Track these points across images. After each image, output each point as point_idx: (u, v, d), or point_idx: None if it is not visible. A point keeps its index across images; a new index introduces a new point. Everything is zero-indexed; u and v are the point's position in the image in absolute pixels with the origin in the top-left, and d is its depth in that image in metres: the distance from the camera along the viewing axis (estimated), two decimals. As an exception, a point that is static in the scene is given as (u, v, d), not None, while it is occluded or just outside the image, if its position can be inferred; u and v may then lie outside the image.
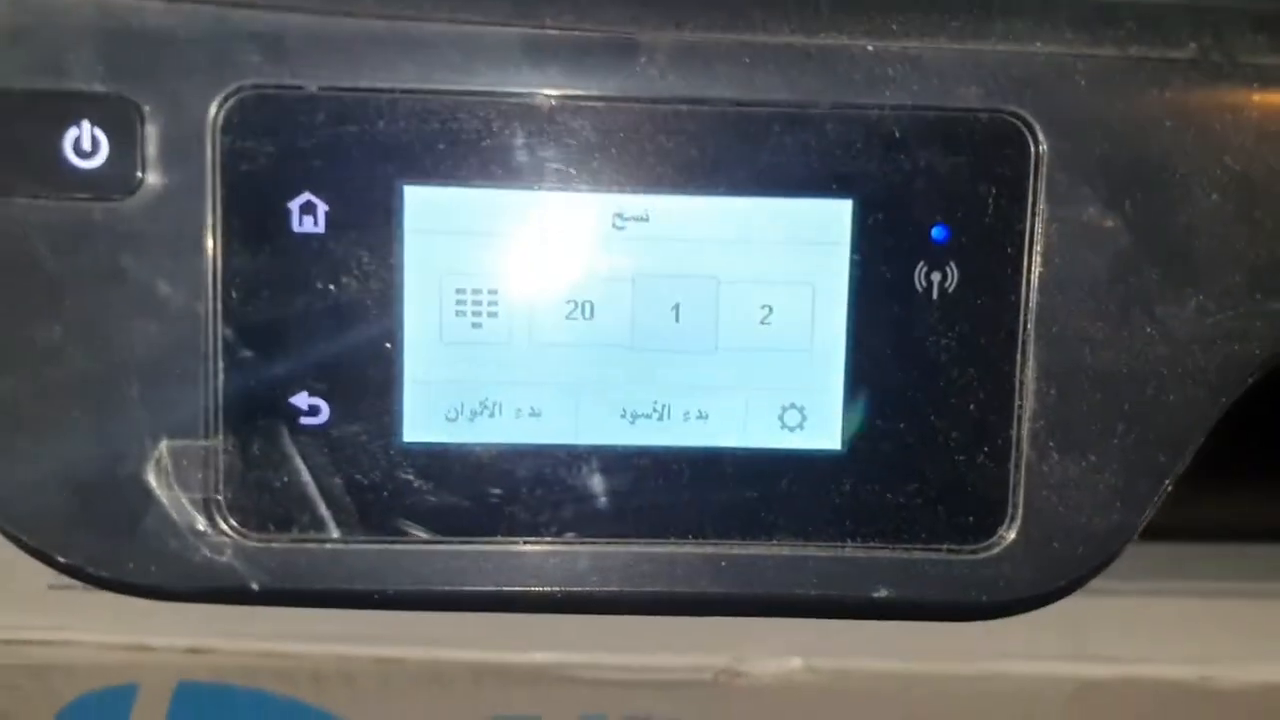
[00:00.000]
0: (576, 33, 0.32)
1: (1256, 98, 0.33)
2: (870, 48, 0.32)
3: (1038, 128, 0.33)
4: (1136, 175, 0.33)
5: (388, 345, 0.33)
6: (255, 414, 0.33)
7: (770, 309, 0.34)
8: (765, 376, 0.34)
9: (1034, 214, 0.33)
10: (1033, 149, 0.33)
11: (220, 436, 0.33)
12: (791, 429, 0.34)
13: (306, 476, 0.33)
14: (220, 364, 0.33)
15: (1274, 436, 0.52)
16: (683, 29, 0.32)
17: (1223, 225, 0.33)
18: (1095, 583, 0.40)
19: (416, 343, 0.33)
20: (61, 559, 0.33)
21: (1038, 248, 0.33)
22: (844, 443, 0.34)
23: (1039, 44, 0.33)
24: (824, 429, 0.34)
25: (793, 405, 0.34)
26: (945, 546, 0.34)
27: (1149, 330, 0.33)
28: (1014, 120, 0.33)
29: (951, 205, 0.33)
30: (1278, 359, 0.34)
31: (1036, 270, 0.33)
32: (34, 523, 0.33)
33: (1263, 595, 0.55)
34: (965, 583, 0.34)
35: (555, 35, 0.32)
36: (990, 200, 0.33)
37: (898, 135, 0.33)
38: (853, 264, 0.33)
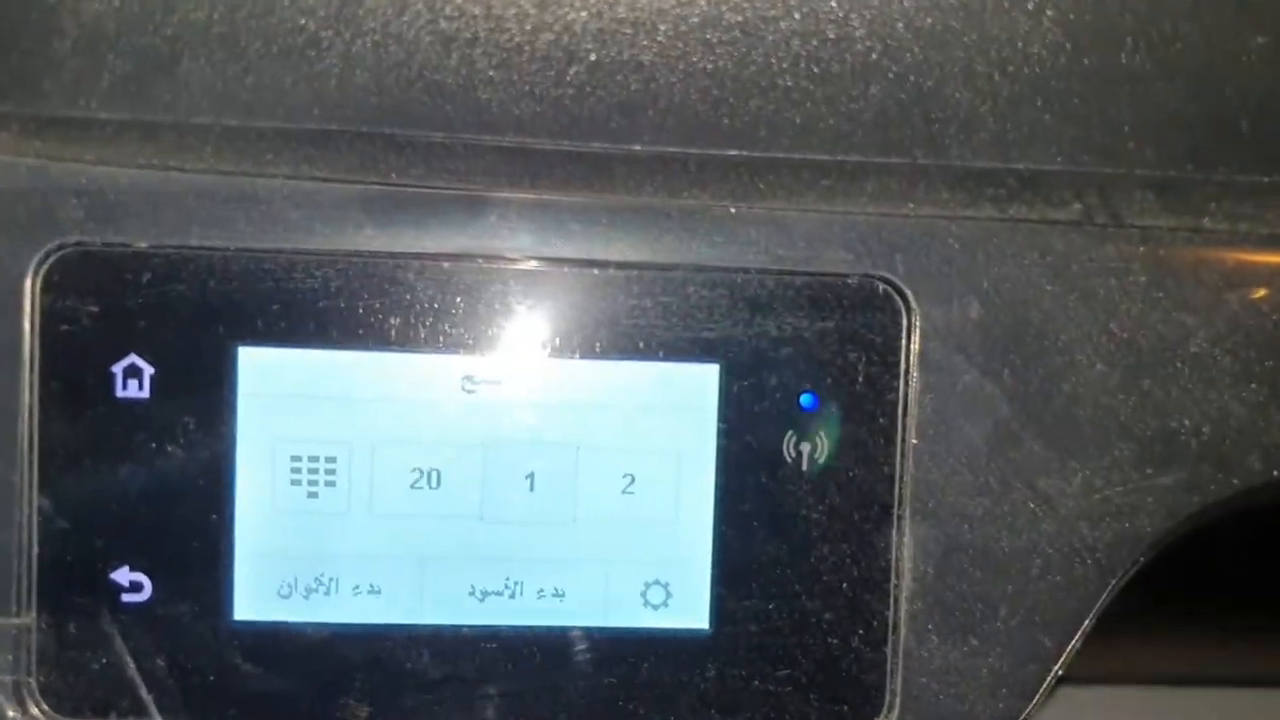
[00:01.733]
0: (425, 189, 0.31)
1: (1144, 261, 0.31)
2: (733, 209, 0.31)
3: (909, 293, 0.31)
4: (1016, 342, 0.31)
5: (216, 517, 0.31)
6: (72, 590, 0.30)
7: (633, 478, 0.32)
8: (627, 550, 0.32)
9: (907, 382, 0.31)
10: (904, 315, 0.31)
11: (34, 614, 0.30)
12: (655, 607, 0.32)
13: (127, 658, 0.31)
14: (34, 537, 0.30)
15: (1200, 581, 0.50)
16: (538, 186, 0.31)
17: (1109, 395, 0.31)
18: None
19: (248, 514, 0.31)
20: None
21: (912, 418, 0.31)
22: (711, 623, 0.32)
23: (911, 205, 0.31)
24: (690, 607, 0.32)
25: (656, 581, 0.32)
26: (817, 737, 0.32)
27: (1032, 506, 0.31)
28: (884, 285, 0.31)
29: (821, 372, 0.31)
30: (1170, 535, 0.32)
31: (911, 441, 0.31)
32: None
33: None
34: (839, 776, 0.32)
35: (400, 191, 0.30)
36: (861, 368, 0.31)
37: (763, 299, 0.31)
38: (720, 432, 0.31)
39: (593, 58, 0.28)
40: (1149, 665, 0.53)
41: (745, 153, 0.29)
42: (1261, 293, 0.31)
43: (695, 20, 0.28)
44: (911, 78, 0.28)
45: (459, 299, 0.31)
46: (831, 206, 0.31)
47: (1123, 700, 0.53)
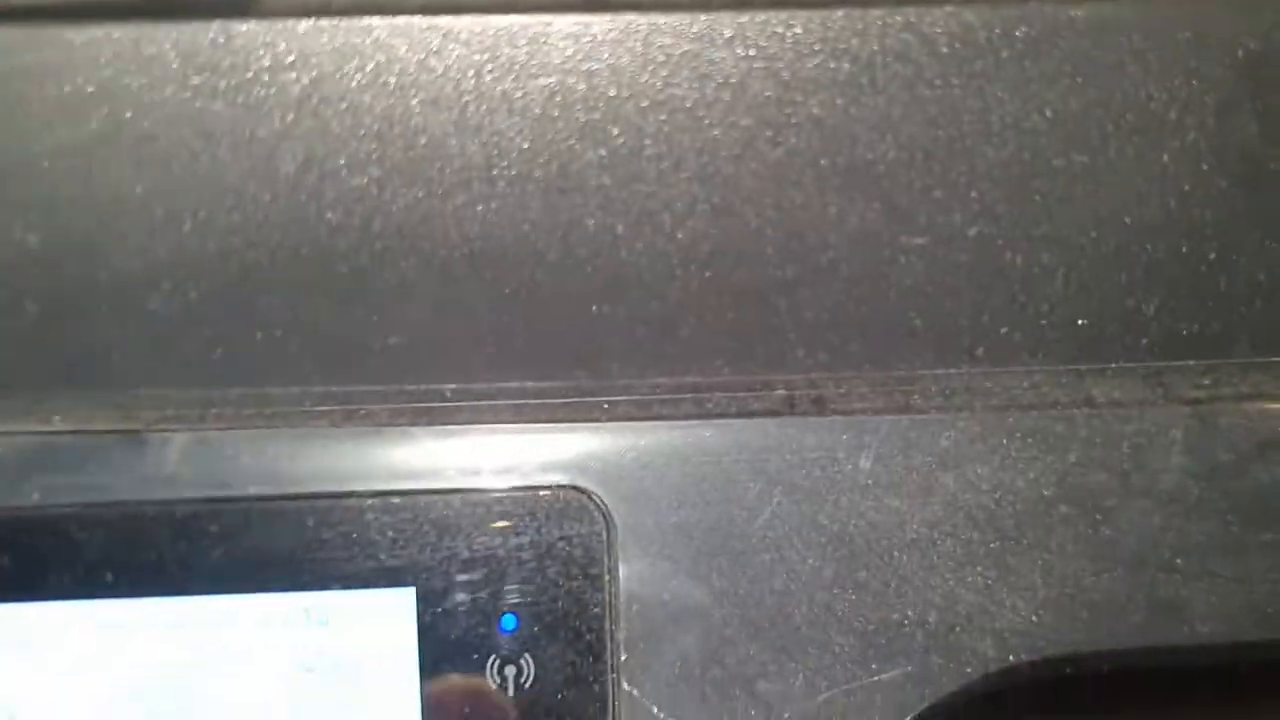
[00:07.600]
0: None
1: (849, 447, 0.30)
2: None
3: (607, 502, 0.30)
4: (720, 543, 0.30)
5: None
6: None
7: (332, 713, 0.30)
8: (334, 792, 0.30)
9: (612, 595, 0.30)
10: (604, 525, 0.30)
11: None
12: None
13: None
14: None
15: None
16: (206, 418, 0.29)
17: (823, 590, 0.30)
18: None
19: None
20: None
21: (620, 632, 0.30)
22: None
23: (601, 413, 0.30)
24: None
25: (361, 825, 0.30)
26: None
27: (753, 713, 0.30)
28: (581, 495, 0.30)
29: (520, 592, 0.30)
30: (902, 731, 0.30)
31: (621, 657, 0.30)
32: None
33: None
34: None
35: None
36: (562, 583, 0.30)
37: (451, 519, 0.29)
38: (422, 659, 0.30)
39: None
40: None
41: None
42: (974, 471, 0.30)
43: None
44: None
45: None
46: (521, 421, 0.29)
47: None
